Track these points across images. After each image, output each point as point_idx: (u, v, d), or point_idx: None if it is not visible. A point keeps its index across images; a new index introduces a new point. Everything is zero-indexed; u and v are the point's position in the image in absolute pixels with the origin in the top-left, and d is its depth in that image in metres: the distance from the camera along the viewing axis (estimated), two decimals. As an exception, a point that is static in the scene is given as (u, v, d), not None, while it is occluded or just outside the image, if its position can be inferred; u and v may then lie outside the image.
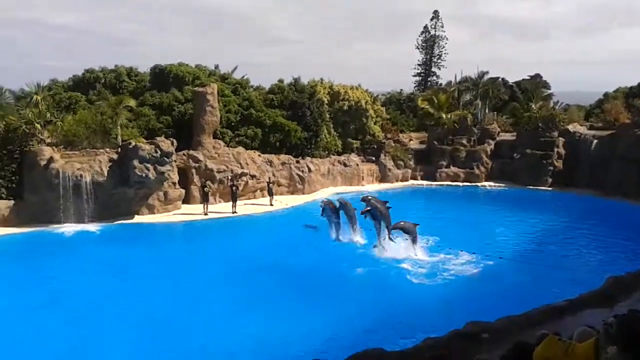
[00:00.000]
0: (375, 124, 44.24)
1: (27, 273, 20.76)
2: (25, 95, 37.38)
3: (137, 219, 28.04)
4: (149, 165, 27.85)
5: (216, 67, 43.91)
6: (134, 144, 28.51)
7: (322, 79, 45.14)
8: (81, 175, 26.77)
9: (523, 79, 54.98)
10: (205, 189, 29.96)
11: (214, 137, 33.25)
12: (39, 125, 29.21)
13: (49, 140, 29.36)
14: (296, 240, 25.42)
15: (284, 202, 32.43)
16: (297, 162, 35.46)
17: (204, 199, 29.83)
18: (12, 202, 26.31)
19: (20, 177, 27.00)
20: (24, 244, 24.32)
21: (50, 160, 26.88)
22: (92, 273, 20.84)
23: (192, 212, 29.69)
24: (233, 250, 23.86)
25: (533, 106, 43.06)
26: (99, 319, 16.52)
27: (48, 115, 30.62)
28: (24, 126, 28.53)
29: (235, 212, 30.12)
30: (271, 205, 31.81)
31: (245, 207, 31.03)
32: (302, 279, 20.19)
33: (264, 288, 19.21)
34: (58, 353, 14.48)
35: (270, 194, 32.08)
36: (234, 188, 30.78)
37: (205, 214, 29.37)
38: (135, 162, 27.73)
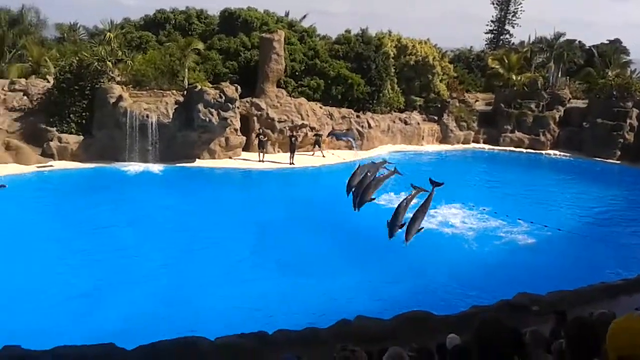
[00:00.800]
0: (441, 81, 43.27)
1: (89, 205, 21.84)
2: (99, 33, 38.46)
3: (198, 162, 28.79)
4: (212, 110, 28.33)
5: (287, 13, 43.70)
6: (199, 87, 28.98)
7: (390, 31, 44.28)
8: (148, 116, 27.53)
9: (602, 43, 52.31)
10: (261, 137, 30.34)
11: (277, 86, 33.37)
12: (110, 63, 30.04)
13: (119, 79, 30.21)
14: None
15: (341, 156, 32.50)
16: (358, 116, 35.27)
17: (260, 147, 30.30)
18: (81, 137, 27.42)
19: (90, 114, 28.01)
20: (90, 178, 25.48)
21: (120, 98, 27.70)
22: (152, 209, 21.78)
23: (252, 159, 30.20)
24: (285, 202, 24.26)
25: (609, 73, 41.04)
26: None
27: (119, 53, 31.46)
28: (96, 63, 29.36)
29: (293, 164, 30.49)
30: (323, 157, 32.05)
31: (301, 159, 31.33)
32: (350, 236, 20.36)
33: (310, 244, 19.38)
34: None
35: (319, 145, 32.33)
36: (292, 139, 31.07)
37: (262, 162, 29.87)
38: (200, 106, 28.24)
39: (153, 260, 17.32)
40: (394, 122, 37.05)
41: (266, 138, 30.82)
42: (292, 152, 30.84)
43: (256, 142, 30.83)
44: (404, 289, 16.47)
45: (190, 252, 18.27)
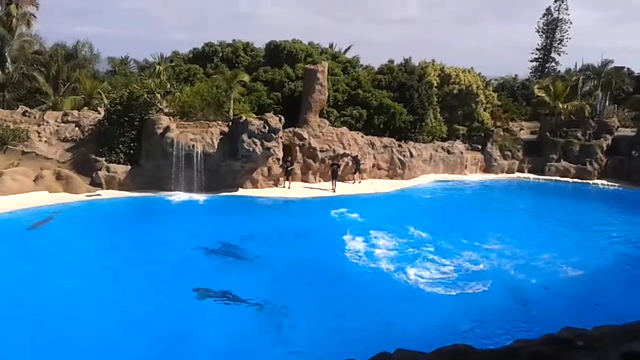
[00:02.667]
0: (485, 110, 43.06)
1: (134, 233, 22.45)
2: (149, 66, 39.88)
3: (241, 191, 29.23)
4: (256, 140, 28.83)
5: (331, 45, 44.49)
6: (244, 118, 29.57)
7: (433, 61, 44.45)
8: (193, 146, 28.21)
9: (652, 70, 51.17)
10: (287, 164, 30.73)
11: (320, 116, 33.80)
12: (159, 95, 31.02)
13: (166, 110, 31.12)
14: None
15: (377, 185, 32.44)
16: (400, 145, 35.30)
17: (286, 175, 30.83)
18: (129, 167, 28.28)
19: (138, 144, 28.91)
20: (135, 207, 26.20)
21: (167, 129, 28.51)
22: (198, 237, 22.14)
23: (295, 188, 30.51)
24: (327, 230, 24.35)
25: (661, 100, 40.04)
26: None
27: (168, 85, 32.48)
28: (146, 95, 30.34)
29: (334, 191, 30.74)
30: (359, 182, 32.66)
31: (343, 187, 31.61)
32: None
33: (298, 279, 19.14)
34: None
35: (359, 172, 32.75)
36: (335, 167, 31.39)
37: (289, 188, 30.45)
38: (244, 136, 28.79)
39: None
40: (437, 151, 36.90)
41: (292, 166, 31.19)
42: (334, 179, 31.21)
43: (281, 169, 30.91)
44: (445, 320, 16.21)
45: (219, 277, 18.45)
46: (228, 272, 19.17)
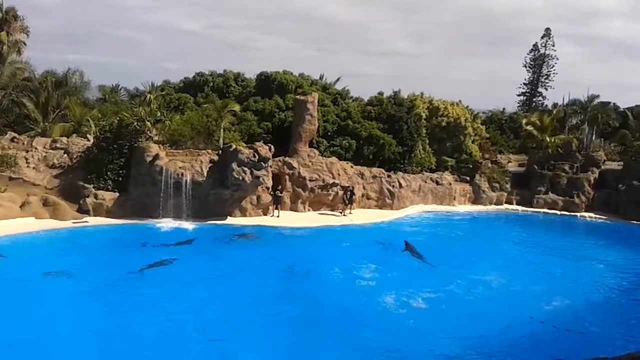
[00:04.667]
0: (473, 142, 43.51)
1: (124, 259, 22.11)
2: (139, 94, 40.07)
3: (230, 220, 29.03)
4: (246, 169, 28.81)
5: (321, 77, 44.95)
6: (234, 147, 29.61)
7: (422, 93, 45.02)
8: (182, 174, 28.15)
9: (637, 105, 52.04)
10: (277, 192, 30.71)
11: (309, 146, 33.93)
12: (149, 123, 31.04)
13: (156, 138, 31.13)
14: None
15: (369, 216, 32.35)
16: (389, 176, 35.39)
17: (275, 203, 30.72)
18: (117, 194, 28.10)
19: (127, 171, 28.79)
20: (123, 234, 25.90)
21: (156, 157, 28.46)
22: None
23: (283, 217, 30.38)
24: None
25: (646, 135, 40.64)
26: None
27: (158, 114, 32.54)
28: (136, 123, 30.37)
29: (349, 214, 31.87)
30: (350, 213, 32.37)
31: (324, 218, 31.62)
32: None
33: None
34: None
35: (351, 203, 32.55)
36: (348, 194, 32.22)
37: (277, 217, 30.34)
38: (234, 165, 28.77)
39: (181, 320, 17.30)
40: (425, 182, 37.02)
41: (282, 194, 31.16)
42: (347, 204, 32.11)
43: (269, 198, 30.75)
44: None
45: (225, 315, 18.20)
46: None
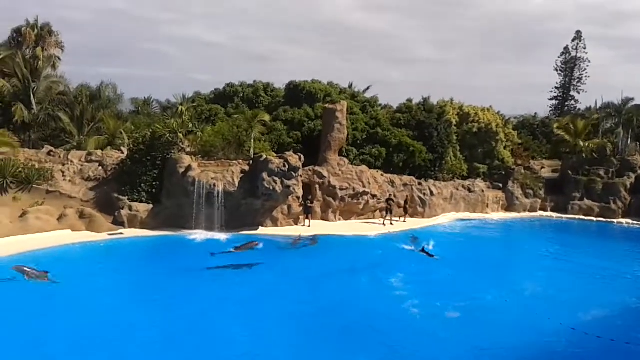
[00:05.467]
0: (505, 148, 42.95)
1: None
2: (171, 106, 40.56)
3: (261, 230, 29.19)
4: (276, 179, 28.93)
5: (350, 85, 44.92)
6: (264, 157, 29.77)
7: (452, 99, 44.64)
8: (215, 185, 28.39)
9: (674, 107, 50.68)
10: (308, 202, 30.88)
11: (339, 154, 33.91)
12: (181, 135, 31.38)
13: (188, 149, 31.45)
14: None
15: (396, 226, 32.19)
16: (420, 184, 35.20)
17: (306, 212, 30.91)
18: (151, 206, 28.47)
19: (160, 183, 29.16)
20: (157, 246, 26.18)
21: (189, 168, 28.78)
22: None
23: (314, 226, 30.39)
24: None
25: (683, 138, 39.60)
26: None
27: (190, 125, 32.86)
28: (168, 135, 30.73)
29: (391, 224, 32.22)
30: (390, 224, 32.11)
31: (365, 226, 31.50)
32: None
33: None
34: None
35: (390, 212, 32.46)
36: (390, 202, 32.55)
37: (309, 227, 30.43)
38: (265, 175, 28.92)
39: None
40: (457, 189, 36.70)
41: (312, 204, 31.18)
42: (388, 213, 32.38)
43: (301, 208, 30.99)
44: None
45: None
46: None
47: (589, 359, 16.53)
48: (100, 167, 30.07)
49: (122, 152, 32.11)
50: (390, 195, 33.25)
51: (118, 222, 27.68)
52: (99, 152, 31.50)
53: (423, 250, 26.64)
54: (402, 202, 33.50)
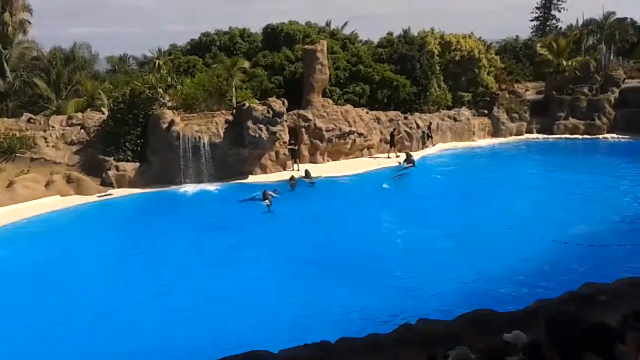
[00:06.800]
0: (488, 74, 42.61)
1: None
2: (148, 61, 39.77)
3: (251, 178, 29.21)
4: (261, 126, 28.79)
5: (327, 23, 44.07)
6: (247, 105, 29.51)
7: (432, 29, 43.92)
8: (199, 137, 28.23)
9: (655, 18, 50.32)
10: (292, 146, 30.75)
11: (323, 96, 33.60)
12: (160, 90, 30.93)
13: (169, 104, 31.07)
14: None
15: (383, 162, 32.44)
16: (406, 117, 35.11)
17: (292, 157, 30.95)
18: (137, 164, 28.34)
19: (144, 140, 28.93)
20: (150, 202, 26.36)
21: (172, 123, 28.51)
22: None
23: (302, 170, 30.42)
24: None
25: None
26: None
27: (169, 79, 32.38)
28: (147, 91, 30.26)
29: (398, 156, 32.93)
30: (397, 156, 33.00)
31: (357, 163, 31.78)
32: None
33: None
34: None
35: (393, 146, 33.37)
36: (393, 134, 33.41)
37: (298, 170, 30.43)
38: (249, 123, 28.76)
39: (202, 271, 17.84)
40: (443, 120, 36.69)
41: (297, 147, 31.13)
42: (392, 147, 33.22)
43: (286, 151, 30.88)
44: (464, 288, 16.26)
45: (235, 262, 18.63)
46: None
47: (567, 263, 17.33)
48: (83, 130, 29.73)
49: (103, 113, 31.67)
50: (393, 129, 33.73)
51: (106, 183, 27.59)
52: (79, 114, 31.05)
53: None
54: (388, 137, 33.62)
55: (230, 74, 33.19)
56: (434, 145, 35.20)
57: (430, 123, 35.52)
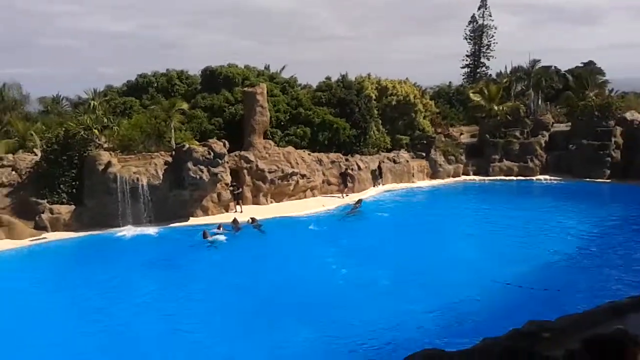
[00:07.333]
0: (424, 118, 43.82)
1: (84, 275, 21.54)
2: (82, 102, 38.79)
3: (192, 220, 28.52)
4: (202, 167, 28.35)
5: (266, 67, 44.44)
6: (187, 146, 29.08)
7: (369, 75, 45.01)
8: (138, 179, 27.48)
9: (576, 67, 53.39)
10: (234, 188, 30.41)
11: (264, 137, 33.57)
12: (96, 131, 30.16)
13: (106, 145, 30.28)
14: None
15: (326, 203, 32.39)
16: (347, 159, 35.44)
17: (235, 199, 30.58)
18: (73, 207, 27.25)
19: (80, 182, 27.91)
20: (86, 247, 25.15)
21: (108, 164, 27.70)
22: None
23: (245, 212, 29.99)
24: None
25: (589, 94, 41.72)
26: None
27: (105, 120, 31.61)
28: (82, 132, 29.45)
29: (347, 196, 33.51)
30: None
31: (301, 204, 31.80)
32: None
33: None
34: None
35: (345, 185, 34.03)
36: (347, 175, 34.07)
37: (241, 212, 30.07)
38: (190, 165, 28.28)
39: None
40: (383, 162, 37.23)
41: (240, 190, 30.83)
42: (346, 186, 33.89)
43: (229, 195, 30.35)
44: (406, 325, 16.17)
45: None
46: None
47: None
48: (14, 172, 28.37)
49: (36, 154, 30.47)
50: (345, 169, 34.45)
51: (40, 227, 26.32)
52: (10, 156, 29.67)
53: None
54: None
55: (168, 115, 32.77)
56: (383, 185, 36.09)
57: (380, 163, 36.51)
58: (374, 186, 35.66)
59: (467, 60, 64.68)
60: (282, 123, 36.52)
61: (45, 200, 26.95)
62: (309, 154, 34.52)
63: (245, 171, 31.68)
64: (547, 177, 37.72)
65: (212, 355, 14.90)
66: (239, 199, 30.63)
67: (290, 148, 34.03)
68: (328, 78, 43.08)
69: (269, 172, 31.89)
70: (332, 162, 34.78)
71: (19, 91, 39.27)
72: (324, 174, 33.99)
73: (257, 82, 36.19)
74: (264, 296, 18.84)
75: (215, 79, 38.90)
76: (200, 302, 18.68)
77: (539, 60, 48.81)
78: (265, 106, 33.56)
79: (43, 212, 26.55)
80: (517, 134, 39.88)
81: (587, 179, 35.84)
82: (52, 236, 25.84)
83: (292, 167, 32.66)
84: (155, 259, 23.33)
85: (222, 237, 25.55)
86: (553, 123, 41.01)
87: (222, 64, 40.33)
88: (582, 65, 53.33)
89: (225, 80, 38.61)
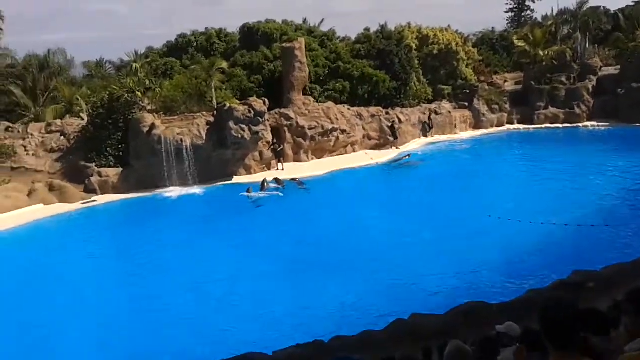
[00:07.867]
0: (467, 67, 42.80)
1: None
2: (124, 65, 39.33)
3: (236, 179, 29.03)
4: (243, 126, 28.64)
5: (304, 21, 43.95)
6: (228, 105, 29.34)
7: (409, 24, 43.99)
8: (182, 140, 28.02)
9: (627, 6, 50.87)
10: (275, 146, 30.65)
11: (303, 94, 33.52)
12: (139, 93, 30.65)
13: (149, 107, 30.81)
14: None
15: (374, 156, 32.46)
16: (387, 113, 35.16)
17: (277, 157, 30.87)
18: (120, 169, 28.06)
19: (126, 145, 28.64)
20: (134, 208, 26.01)
21: (152, 126, 28.26)
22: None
23: (287, 170, 30.29)
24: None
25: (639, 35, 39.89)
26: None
27: (147, 82, 32.03)
28: (126, 95, 30.00)
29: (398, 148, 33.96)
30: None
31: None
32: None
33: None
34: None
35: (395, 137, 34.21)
36: (394, 128, 34.23)
37: (282, 169, 30.59)
38: (231, 124, 28.60)
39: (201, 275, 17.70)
40: (424, 113, 36.80)
41: (281, 147, 31.01)
42: (395, 138, 34.08)
43: (270, 153, 30.78)
44: (456, 281, 16.33)
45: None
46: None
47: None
48: (63, 137, 29.37)
49: (83, 119, 31.33)
50: (392, 121, 34.41)
51: (90, 190, 27.26)
52: (58, 121, 30.67)
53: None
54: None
55: (209, 75, 32.96)
56: (433, 136, 36.29)
57: (431, 113, 36.57)
58: (425, 137, 36.04)
59: (511, 4, 62.33)
60: (321, 78, 36.28)
61: (94, 164, 27.83)
62: (348, 109, 34.36)
63: (285, 129, 31.84)
64: (594, 123, 36.60)
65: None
66: (280, 156, 30.90)
67: (329, 103, 33.90)
68: (367, 29, 42.35)
69: (309, 129, 31.97)
70: (372, 116, 34.58)
71: (63, 56, 39.95)
72: (364, 129, 33.87)
73: (295, 38, 35.91)
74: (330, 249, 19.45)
75: (254, 36, 38.74)
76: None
77: (587, 1, 46.66)
78: (304, 61, 33.35)
79: (92, 176, 27.45)
80: (564, 79, 38.63)
81: (637, 124, 34.56)
82: (101, 199, 26.74)
83: (332, 122, 32.63)
84: (209, 215, 24.23)
85: (277, 193, 26.20)
86: (601, 67, 39.49)
87: (260, 19, 40.15)
88: (633, 4, 50.75)
89: (264, 37, 38.42)
